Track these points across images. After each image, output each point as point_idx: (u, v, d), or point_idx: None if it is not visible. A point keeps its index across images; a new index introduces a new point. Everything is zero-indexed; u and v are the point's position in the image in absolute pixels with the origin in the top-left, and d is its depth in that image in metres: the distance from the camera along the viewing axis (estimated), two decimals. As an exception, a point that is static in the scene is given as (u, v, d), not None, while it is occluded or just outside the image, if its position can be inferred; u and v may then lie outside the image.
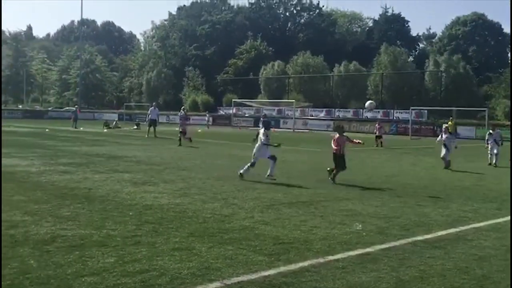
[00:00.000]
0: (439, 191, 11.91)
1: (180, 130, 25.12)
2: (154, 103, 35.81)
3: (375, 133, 29.85)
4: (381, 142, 28.26)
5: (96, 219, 7.93)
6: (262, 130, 13.55)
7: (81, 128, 40.19)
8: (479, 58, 67.78)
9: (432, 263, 6.20)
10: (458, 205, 10.19)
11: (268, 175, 12.96)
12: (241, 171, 12.93)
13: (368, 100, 24.73)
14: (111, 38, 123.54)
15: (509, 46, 69.42)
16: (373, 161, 19.61)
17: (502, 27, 71.71)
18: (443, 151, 17.47)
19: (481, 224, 8.55)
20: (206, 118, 54.59)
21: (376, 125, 30.77)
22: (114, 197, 9.89)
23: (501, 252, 6.80)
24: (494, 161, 18.60)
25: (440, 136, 18.63)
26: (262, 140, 13.34)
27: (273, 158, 13.19)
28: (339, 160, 12.99)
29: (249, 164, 13.07)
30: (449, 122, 38.41)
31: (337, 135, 13.33)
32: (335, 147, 13.06)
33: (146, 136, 29.51)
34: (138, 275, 5.42)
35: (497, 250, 6.90)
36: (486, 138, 20.02)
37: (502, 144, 19.95)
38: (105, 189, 10.75)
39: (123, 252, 6.22)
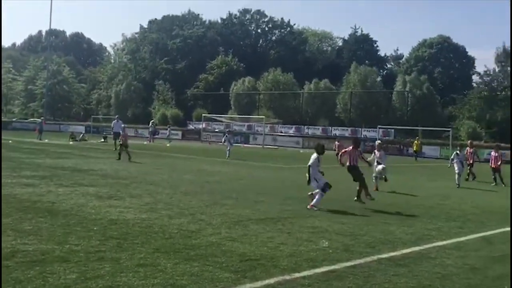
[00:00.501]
0: (404, 209, 12.08)
1: (121, 143, 23.38)
2: (117, 116, 35.52)
3: (335, 151, 29.06)
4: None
5: (59, 233, 7.75)
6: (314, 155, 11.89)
7: (46, 140, 39.40)
8: (444, 79, 69.50)
9: (396, 281, 6.27)
10: (422, 224, 10.35)
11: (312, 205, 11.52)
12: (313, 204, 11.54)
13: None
14: (80, 49, 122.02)
15: (474, 67, 71.41)
16: (339, 178, 19.77)
17: (467, 50, 73.90)
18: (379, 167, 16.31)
19: (445, 242, 8.70)
20: (167, 132, 51.45)
21: (336, 142, 30.87)
22: (78, 211, 9.69)
23: (463, 271, 6.92)
24: (457, 181, 18.54)
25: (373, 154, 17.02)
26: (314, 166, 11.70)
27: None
28: (354, 173, 12.60)
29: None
30: (415, 142, 39.30)
31: (351, 147, 12.90)
32: (348, 161, 12.63)
33: (114, 149, 29.08)
34: (101, 291, 5.30)
35: (459, 269, 7.02)
36: (451, 158, 20.05)
37: (473, 162, 20.64)
38: (69, 203, 10.53)
39: (85, 268, 6.09)
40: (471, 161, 21.51)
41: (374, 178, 16.18)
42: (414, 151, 39.41)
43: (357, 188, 12.66)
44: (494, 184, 20.09)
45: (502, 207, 13.69)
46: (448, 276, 6.64)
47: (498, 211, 12.86)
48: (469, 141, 24.36)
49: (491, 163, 20.73)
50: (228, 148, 28.44)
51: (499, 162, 20.64)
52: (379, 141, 19.18)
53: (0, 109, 58.21)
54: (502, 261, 7.58)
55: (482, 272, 6.92)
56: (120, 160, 22.22)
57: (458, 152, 19.62)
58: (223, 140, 31.29)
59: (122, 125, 25.87)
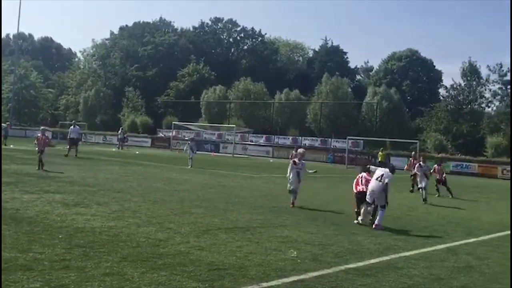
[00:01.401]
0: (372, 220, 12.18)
1: (40, 149, 19.89)
2: (73, 121, 34.92)
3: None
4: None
5: (23, 241, 7.55)
6: (383, 171, 11.50)
7: (11, 146, 38.50)
8: (412, 92, 70.82)
9: (364, 291, 6.31)
10: (389, 234, 10.48)
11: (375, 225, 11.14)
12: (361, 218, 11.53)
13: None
14: (48, 54, 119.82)
15: (441, 81, 72.98)
16: (309, 189, 19.89)
17: (434, 64, 75.50)
18: None
19: (411, 252, 8.82)
20: (118, 136, 49.15)
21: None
22: (43, 218, 9.48)
23: (429, 281, 7.03)
24: (423, 196, 17.36)
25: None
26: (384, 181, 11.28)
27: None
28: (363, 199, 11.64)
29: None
30: (380, 153, 39.87)
31: (364, 174, 12.07)
32: (361, 187, 11.69)
33: (66, 155, 27.92)
34: (65, 301, 5.19)
35: (425, 279, 7.13)
36: (415, 167, 19.56)
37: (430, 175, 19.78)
38: (34, 210, 10.29)
39: (50, 276, 5.95)
40: (441, 177, 20.73)
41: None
42: (379, 161, 39.98)
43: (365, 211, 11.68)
44: (437, 195, 19.82)
45: (466, 219, 13.98)
46: (414, 286, 6.74)
47: (462, 223, 13.13)
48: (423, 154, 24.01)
49: (436, 176, 20.69)
50: (191, 156, 27.40)
51: (443, 174, 20.75)
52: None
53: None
54: (466, 272, 7.73)
55: (447, 282, 7.04)
56: (39, 170, 19.06)
57: (421, 163, 19.01)
58: (185, 148, 30.17)
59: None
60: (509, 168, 41.14)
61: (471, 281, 7.20)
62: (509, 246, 10.07)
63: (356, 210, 11.70)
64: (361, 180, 11.87)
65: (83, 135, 49.83)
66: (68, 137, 30.61)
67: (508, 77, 52.80)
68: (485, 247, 9.79)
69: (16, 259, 6.54)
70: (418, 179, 18.77)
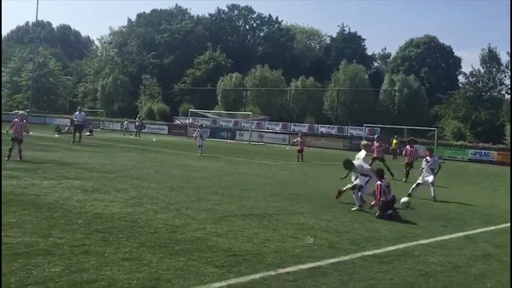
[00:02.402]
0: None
1: (13, 136, 17.21)
2: (79, 107, 34.40)
3: (297, 147, 28.22)
4: (302, 157, 27.25)
5: (43, 226, 7.68)
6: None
7: (31, 133, 39.00)
8: (430, 79, 70.00)
9: (381, 278, 6.32)
10: (406, 222, 10.43)
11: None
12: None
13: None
14: (66, 41, 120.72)
15: (460, 68, 72.04)
16: (326, 176, 19.88)
17: (453, 50, 74.43)
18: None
19: (428, 241, 8.78)
20: (137, 123, 50.33)
21: (298, 138, 28.68)
22: (63, 204, 9.62)
23: (446, 269, 7.00)
24: (433, 194, 14.64)
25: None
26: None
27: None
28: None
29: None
30: (394, 141, 39.59)
31: (383, 181, 11.22)
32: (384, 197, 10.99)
33: (73, 141, 27.98)
34: (85, 285, 5.28)
35: (442, 267, 7.10)
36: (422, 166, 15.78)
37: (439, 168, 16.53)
38: (54, 196, 10.44)
39: (70, 261, 6.05)
40: (410, 160, 20.17)
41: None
42: (393, 149, 39.71)
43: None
44: (404, 180, 19.19)
45: (484, 207, 13.86)
46: (431, 273, 6.71)
47: (480, 211, 13.01)
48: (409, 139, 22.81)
49: (406, 159, 20.24)
50: (199, 144, 26.35)
51: (415, 157, 20.09)
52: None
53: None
54: (484, 260, 7.68)
55: (464, 270, 7.00)
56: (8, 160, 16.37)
57: (428, 158, 15.52)
58: (194, 135, 28.79)
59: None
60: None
61: (489, 269, 7.15)
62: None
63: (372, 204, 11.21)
64: (381, 189, 10.98)
65: (101, 122, 50.19)
66: (74, 123, 30.36)
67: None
68: (503, 235, 9.70)
69: (37, 244, 6.66)
70: (421, 176, 15.45)
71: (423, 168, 15.41)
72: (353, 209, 11.48)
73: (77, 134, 28.66)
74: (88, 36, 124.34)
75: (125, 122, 53.20)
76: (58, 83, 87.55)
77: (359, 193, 11.68)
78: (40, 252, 6.32)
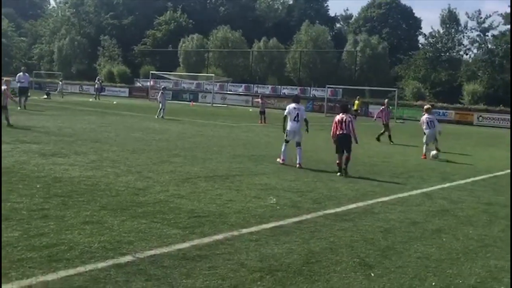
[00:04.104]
0: (349, 167, 12.29)
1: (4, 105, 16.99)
2: (23, 68, 30.21)
3: (258, 108, 27.81)
4: (264, 118, 27.06)
5: None
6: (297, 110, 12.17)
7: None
8: (391, 40, 70.37)
9: (341, 235, 6.45)
10: (367, 181, 10.65)
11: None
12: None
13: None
14: (20, 0, 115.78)
15: (420, 29, 72.72)
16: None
17: (413, 11, 74.91)
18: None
19: (388, 198, 8.99)
20: (96, 85, 47.44)
21: (259, 100, 28.32)
22: (20, 168, 9.37)
23: (404, 225, 7.20)
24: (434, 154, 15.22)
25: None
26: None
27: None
28: (348, 143, 11.28)
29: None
30: (356, 101, 40.07)
31: (342, 114, 11.42)
32: (341, 130, 11.24)
33: (19, 107, 24.29)
34: (45, 249, 5.20)
35: (401, 223, 7.30)
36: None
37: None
38: (10, 160, 10.15)
39: (28, 226, 5.93)
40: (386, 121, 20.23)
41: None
42: (355, 110, 40.22)
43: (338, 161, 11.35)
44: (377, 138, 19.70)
45: (442, 164, 14.25)
46: (390, 229, 6.90)
47: (438, 168, 13.37)
48: (385, 100, 22.31)
49: (383, 119, 20.20)
50: (163, 107, 25.81)
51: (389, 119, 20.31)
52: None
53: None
54: (441, 215, 7.93)
55: (422, 226, 7.22)
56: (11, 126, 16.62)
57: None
58: (158, 97, 27.83)
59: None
60: (485, 115, 41.83)
61: (445, 224, 7.40)
62: (481, 189, 10.34)
63: (337, 162, 11.23)
64: (340, 123, 11.27)
65: (61, 84, 48.50)
66: (17, 85, 26.50)
67: (485, 25, 52.67)
68: (459, 192, 10.03)
69: (-7, 209, 6.49)
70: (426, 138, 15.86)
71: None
72: (277, 160, 12.25)
73: (23, 98, 25.63)
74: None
75: (59, 83, 48.69)
76: (11, 45, 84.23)
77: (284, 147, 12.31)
78: (-3, 217, 6.16)
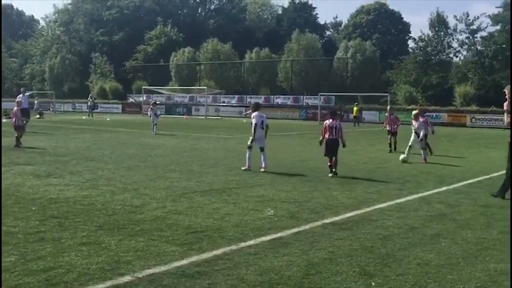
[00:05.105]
0: (346, 174, 12.33)
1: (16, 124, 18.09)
2: (22, 89, 30.40)
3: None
4: None
5: (-5, 216, 7.43)
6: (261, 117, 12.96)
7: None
8: (381, 45, 70.83)
9: (340, 244, 6.43)
10: (363, 187, 10.64)
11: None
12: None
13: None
14: (9, 21, 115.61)
15: (409, 33, 73.17)
16: (283, 147, 19.98)
17: (402, 16, 75.45)
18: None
19: (385, 204, 8.98)
20: (89, 103, 46.56)
21: (249, 111, 26.71)
22: (15, 191, 9.32)
23: (403, 231, 7.19)
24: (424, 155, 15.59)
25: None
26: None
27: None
28: (336, 147, 12.18)
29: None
30: (355, 108, 40.26)
31: (331, 120, 12.34)
32: (330, 135, 12.21)
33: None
34: (43, 273, 5.15)
35: (399, 229, 7.28)
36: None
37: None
38: (5, 183, 10.09)
39: (25, 249, 5.88)
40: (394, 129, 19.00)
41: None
42: (354, 116, 40.38)
43: (329, 163, 12.15)
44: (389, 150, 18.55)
45: (437, 168, 14.27)
46: (389, 236, 6.88)
47: (434, 172, 13.39)
48: (388, 107, 21.62)
49: (389, 127, 19.03)
50: (155, 122, 25.18)
51: (395, 126, 18.96)
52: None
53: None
54: (439, 219, 7.92)
55: (420, 231, 7.21)
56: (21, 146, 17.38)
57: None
58: (148, 113, 27.01)
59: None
60: (478, 116, 41.99)
61: (444, 228, 7.39)
62: (478, 191, 10.35)
63: (329, 164, 12.19)
64: (330, 128, 12.27)
65: (52, 104, 48.28)
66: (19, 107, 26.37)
67: (474, 26, 53.12)
68: (456, 195, 10.03)
69: (-11, 234, 6.43)
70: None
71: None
72: (242, 168, 12.68)
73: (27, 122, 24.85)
74: (32, 15, 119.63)
75: (35, 102, 46.50)
76: (2, 66, 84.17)
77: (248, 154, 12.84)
78: (-7, 242, 6.11)
